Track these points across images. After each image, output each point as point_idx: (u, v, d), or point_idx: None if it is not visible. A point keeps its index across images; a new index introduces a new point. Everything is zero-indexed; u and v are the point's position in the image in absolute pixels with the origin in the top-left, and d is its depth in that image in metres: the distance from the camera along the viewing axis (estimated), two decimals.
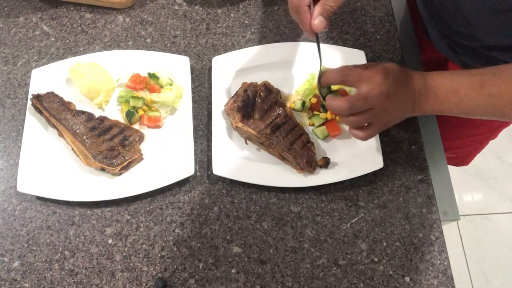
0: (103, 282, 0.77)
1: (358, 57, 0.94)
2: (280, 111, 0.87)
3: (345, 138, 0.88)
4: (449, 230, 1.80)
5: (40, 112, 0.88)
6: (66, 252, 0.80)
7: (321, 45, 0.96)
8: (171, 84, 0.90)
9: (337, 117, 0.88)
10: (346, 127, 0.88)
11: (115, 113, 0.91)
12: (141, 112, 0.89)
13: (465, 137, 1.17)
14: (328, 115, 0.88)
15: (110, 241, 0.81)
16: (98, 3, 1.03)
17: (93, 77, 0.89)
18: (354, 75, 0.70)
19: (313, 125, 0.89)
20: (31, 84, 0.91)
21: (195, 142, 0.88)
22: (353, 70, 0.71)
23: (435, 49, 1.00)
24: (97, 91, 0.89)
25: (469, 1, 0.79)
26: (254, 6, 1.04)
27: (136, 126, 0.89)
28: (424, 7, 0.97)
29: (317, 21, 0.73)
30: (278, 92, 0.90)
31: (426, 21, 0.98)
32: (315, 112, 0.90)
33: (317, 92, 0.89)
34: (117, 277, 0.78)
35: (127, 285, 0.77)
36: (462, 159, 1.32)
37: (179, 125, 0.88)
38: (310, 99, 0.89)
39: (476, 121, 1.05)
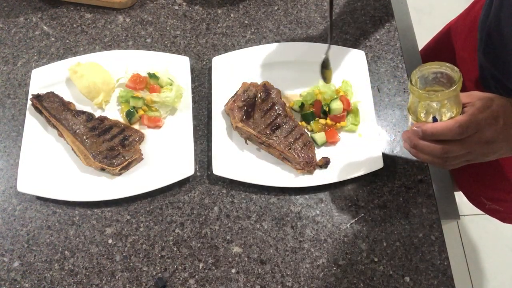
0: (103, 282, 0.77)
1: (358, 57, 0.94)
2: (280, 111, 0.87)
3: (345, 139, 0.88)
4: (449, 230, 1.80)
5: (40, 112, 0.88)
6: (66, 252, 0.80)
7: (320, 44, 0.97)
8: (171, 84, 0.90)
9: (337, 124, 0.87)
10: (344, 135, 0.88)
11: (115, 113, 0.91)
12: (141, 112, 0.89)
13: None
14: (328, 121, 0.87)
15: (110, 241, 0.81)
16: (98, 3, 1.03)
17: (93, 77, 0.89)
18: (472, 127, 0.62)
19: (312, 130, 0.88)
20: (31, 84, 0.91)
21: (195, 142, 0.88)
22: (469, 122, 0.62)
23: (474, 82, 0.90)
24: (97, 91, 0.89)
25: None
26: (254, 6, 1.04)
27: (136, 126, 0.89)
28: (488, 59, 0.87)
29: None
30: (278, 92, 0.90)
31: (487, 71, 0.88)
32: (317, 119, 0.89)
33: (319, 97, 0.89)
34: (117, 277, 0.78)
35: (127, 285, 0.77)
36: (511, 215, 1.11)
37: (179, 125, 0.88)
38: (310, 104, 0.89)
39: None
